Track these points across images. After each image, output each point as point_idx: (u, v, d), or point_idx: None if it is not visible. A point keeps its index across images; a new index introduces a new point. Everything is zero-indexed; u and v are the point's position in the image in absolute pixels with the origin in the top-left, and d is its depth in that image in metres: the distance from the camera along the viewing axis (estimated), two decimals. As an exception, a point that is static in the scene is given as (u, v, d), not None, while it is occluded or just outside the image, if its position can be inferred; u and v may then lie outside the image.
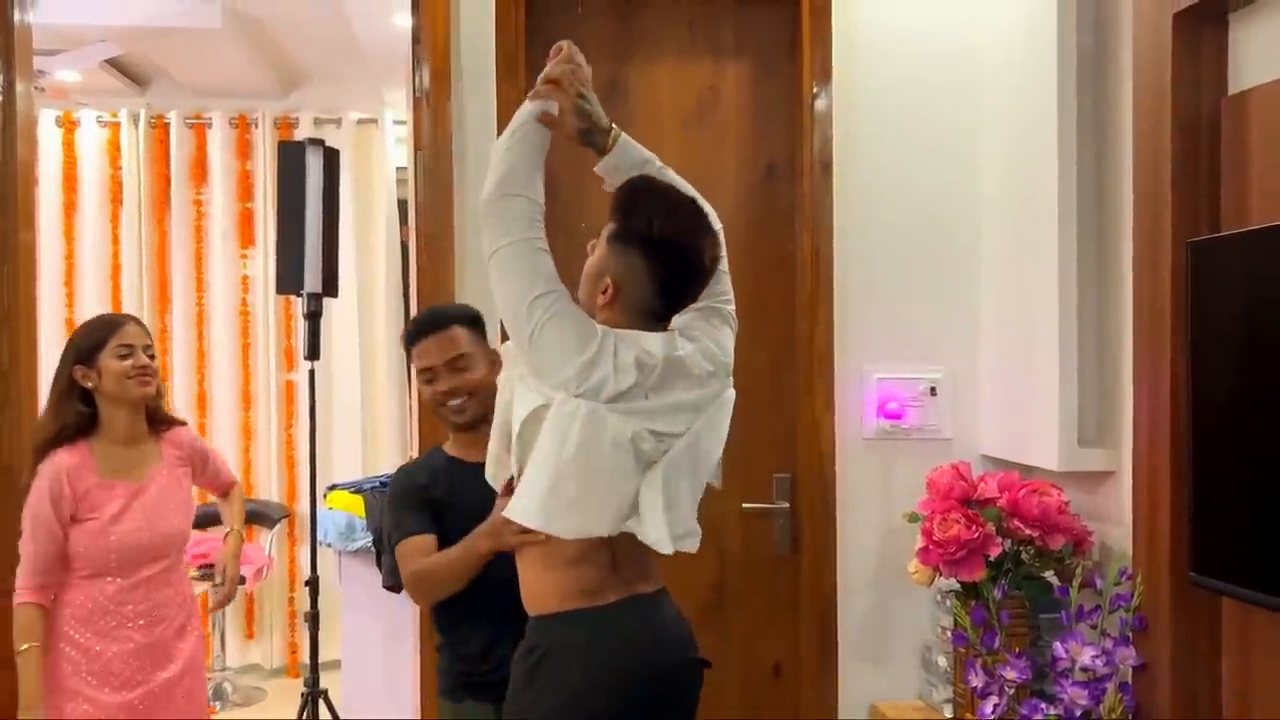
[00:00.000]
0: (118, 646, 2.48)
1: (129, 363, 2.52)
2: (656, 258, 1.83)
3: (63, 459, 2.47)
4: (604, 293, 1.86)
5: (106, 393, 2.52)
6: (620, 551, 1.86)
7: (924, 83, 2.89)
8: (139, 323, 2.62)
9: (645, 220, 1.83)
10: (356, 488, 3.89)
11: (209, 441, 5.23)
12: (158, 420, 2.65)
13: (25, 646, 2.41)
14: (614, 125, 2.01)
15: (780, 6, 2.92)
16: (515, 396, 1.84)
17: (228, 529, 2.90)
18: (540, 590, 1.88)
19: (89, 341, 2.52)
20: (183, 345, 5.31)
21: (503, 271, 1.81)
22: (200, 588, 4.58)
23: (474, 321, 2.31)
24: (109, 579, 2.49)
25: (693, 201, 1.93)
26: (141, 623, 2.52)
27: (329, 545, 3.81)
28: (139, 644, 2.51)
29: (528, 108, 1.88)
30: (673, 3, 2.93)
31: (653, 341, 1.83)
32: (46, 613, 2.45)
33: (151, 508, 2.55)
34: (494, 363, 2.22)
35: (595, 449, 1.76)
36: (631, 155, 2.02)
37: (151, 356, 2.59)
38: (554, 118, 1.90)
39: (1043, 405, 2.55)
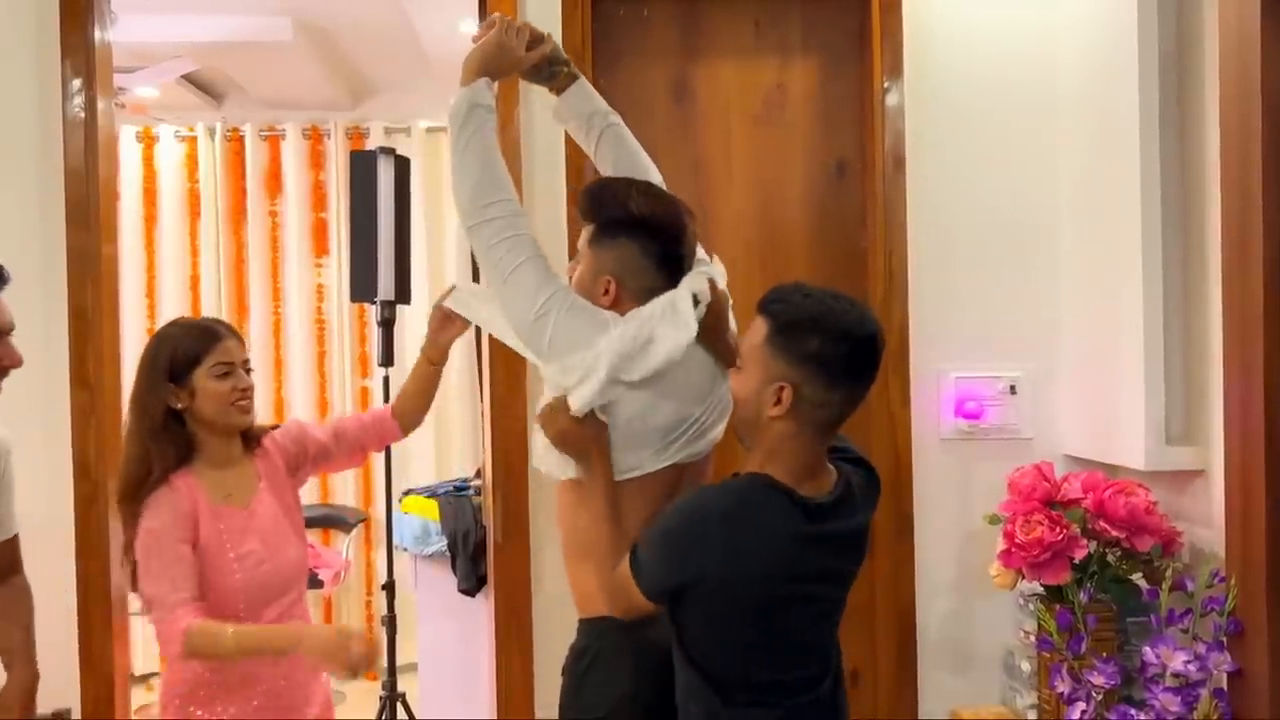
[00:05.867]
0: (258, 701, 2.11)
1: (229, 384, 2.13)
2: (645, 234, 1.85)
3: (178, 483, 2.09)
4: (605, 294, 1.86)
5: (201, 417, 2.13)
6: None
7: (998, 74, 2.83)
8: (236, 334, 2.22)
9: (621, 207, 1.85)
10: (431, 492, 3.93)
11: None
12: (252, 437, 2.25)
13: (231, 631, 1.99)
14: (571, 64, 2.08)
15: (848, 1, 2.88)
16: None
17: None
18: (591, 589, 1.86)
19: (183, 356, 2.12)
20: (260, 354, 5.39)
21: (514, 290, 1.83)
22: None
23: None
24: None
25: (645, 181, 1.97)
26: (285, 658, 2.13)
27: (404, 549, 3.85)
28: (282, 687, 2.15)
29: (463, 98, 1.89)
30: (738, 2, 2.91)
31: (654, 306, 1.83)
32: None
33: (268, 534, 2.17)
34: None
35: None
36: (594, 101, 2.09)
37: (249, 372, 2.20)
38: (508, 52, 1.96)
39: (1128, 403, 2.48)
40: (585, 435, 1.80)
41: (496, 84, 1.98)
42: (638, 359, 1.78)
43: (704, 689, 1.71)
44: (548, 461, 1.88)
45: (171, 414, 2.13)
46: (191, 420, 2.15)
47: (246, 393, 2.18)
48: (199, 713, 2.10)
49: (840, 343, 1.63)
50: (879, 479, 1.85)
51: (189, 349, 2.13)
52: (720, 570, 1.64)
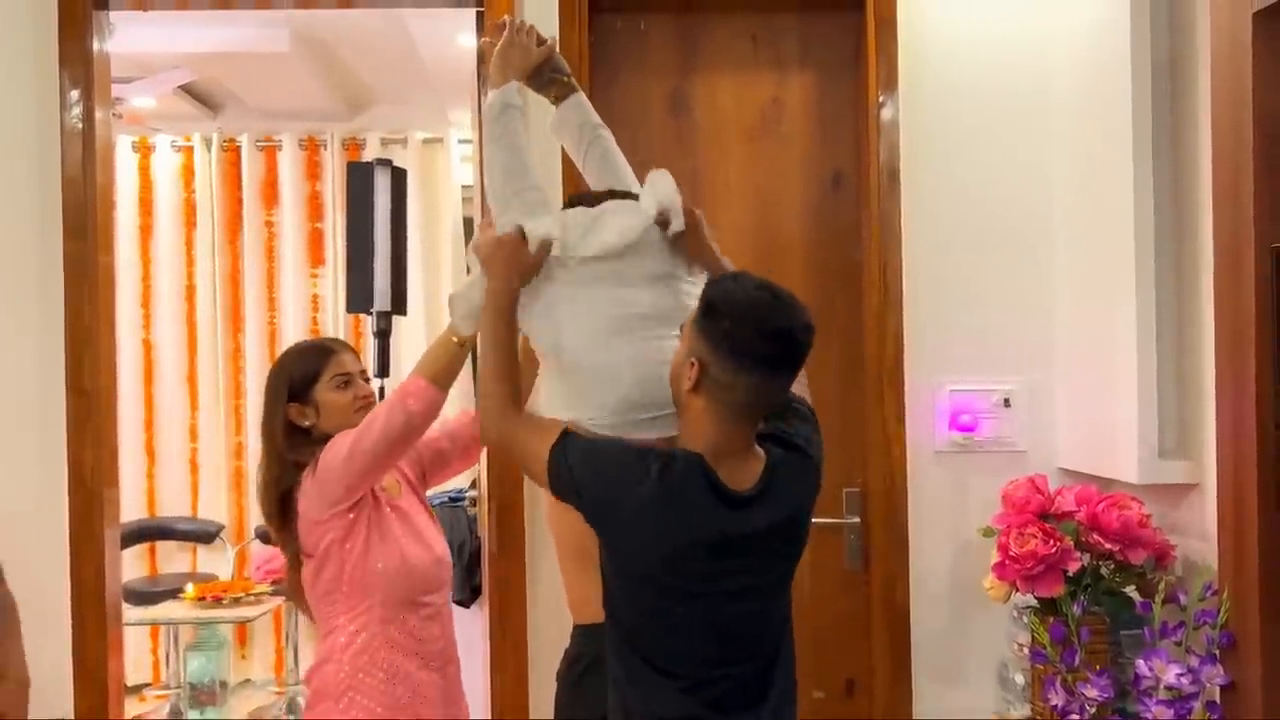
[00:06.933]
0: (428, 692, 2.21)
1: (350, 394, 2.23)
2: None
3: None
4: None
5: (331, 430, 2.19)
6: None
7: (992, 88, 2.84)
8: (349, 347, 2.32)
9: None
10: (426, 503, 3.93)
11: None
12: None
13: (440, 339, 2.14)
14: (571, 76, 2.14)
15: (844, 17, 2.89)
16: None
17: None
18: (586, 595, 1.87)
19: (301, 374, 2.23)
20: (256, 364, 5.39)
21: None
22: (275, 603, 4.66)
23: None
24: (400, 618, 2.19)
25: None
26: (438, 661, 2.26)
27: (399, 561, 3.84)
28: (439, 686, 2.26)
29: (497, 98, 1.98)
30: (735, 16, 2.93)
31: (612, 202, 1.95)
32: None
33: (423, 530, 2.28)
34: None
35: None
36: (588, 114, 2.13)
37: (368, 380, 2.31)
38: (523, 51, 2.03)
39: (1121, 416, 2.48)
40: (498, 245, 1.89)
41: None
42: (592, 230, 1.86)
43: (621, 645, 1.75)
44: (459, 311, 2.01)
45: (302, 432, 2.22)
46: (322, 436, 2.20)
47: (368, 399, 2.26)
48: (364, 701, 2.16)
49: (747, 329, 1.66)
50: (815, 463, 1.83)
51: (306, 367, 2.24)
52: (623, 535, 1.71)
